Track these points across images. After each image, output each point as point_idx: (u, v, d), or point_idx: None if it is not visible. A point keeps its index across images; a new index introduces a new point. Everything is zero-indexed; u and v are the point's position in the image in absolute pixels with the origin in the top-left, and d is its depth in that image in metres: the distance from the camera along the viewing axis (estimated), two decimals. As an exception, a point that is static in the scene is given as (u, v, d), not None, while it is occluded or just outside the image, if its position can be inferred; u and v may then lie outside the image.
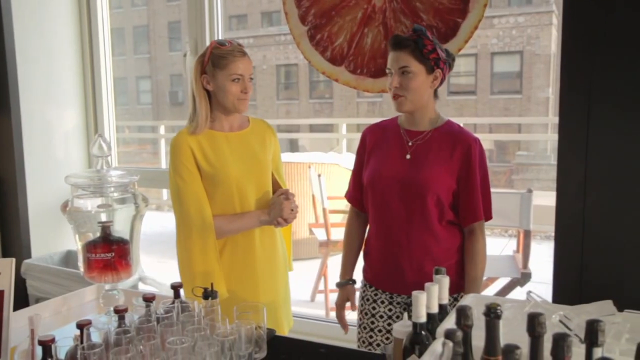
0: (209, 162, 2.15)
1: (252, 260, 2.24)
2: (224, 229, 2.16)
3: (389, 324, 2.15)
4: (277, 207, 2.16)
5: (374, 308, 2.19)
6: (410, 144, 2.09)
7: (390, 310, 2.16)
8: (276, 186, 2.32)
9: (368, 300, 2.21)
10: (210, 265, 2.15)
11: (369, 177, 2.15)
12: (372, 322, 2.18)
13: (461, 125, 2.13)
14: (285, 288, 2.38)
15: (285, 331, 2.32)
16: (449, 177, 2.04)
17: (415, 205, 2.04)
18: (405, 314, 1.48)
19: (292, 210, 2.17)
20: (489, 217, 2.10)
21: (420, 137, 2.09)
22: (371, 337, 2.18)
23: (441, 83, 2.09)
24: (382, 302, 2.17)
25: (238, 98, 2.14)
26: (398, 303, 2.15)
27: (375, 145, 2.18)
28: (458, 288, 2.09)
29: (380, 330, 2.17)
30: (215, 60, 2.13)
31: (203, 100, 2.17)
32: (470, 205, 2.05)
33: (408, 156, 2.08)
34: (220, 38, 3.28)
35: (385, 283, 2.16)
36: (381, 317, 2.17)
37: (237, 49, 2.14)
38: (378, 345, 2.16)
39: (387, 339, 2.15)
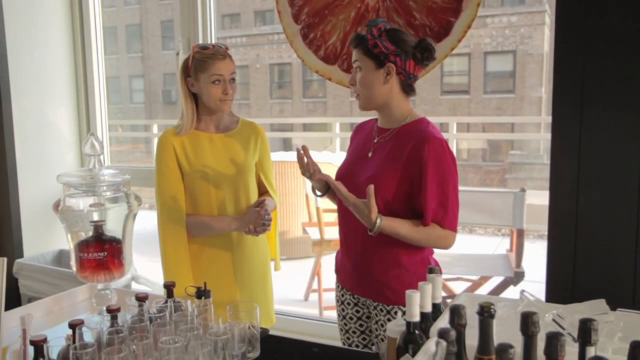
0: (189, 162, 2.24)
1: (229, 261, 2.30)
2: (197, 229, 2.25)
3: (361, 325, 2.10)
4: (250, 216, 2.21)
5: (343, 310, 2.14)
6: (375, 141, 2.01)
7: (357, 311, 2.09)
8: (263, 188, 2.39)
9: (338, 302, 2.16)
10: (180, 260, 2.24)
11: (337, 176, 2.07)
12: (345, 324, 2.14)
13: (432, 123, 1.95)
14: (264, 289, 2.41)
15: None
16: (396, 176, 1.88)
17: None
18: (399, 313, 1.48)
19: (264, 223, 2.19)
20: (445, 224, 1.88)
21: (385, 134, 1.98)
22: (349, 338, 2.14)
23: (408, 76, 1.92)
24: (349, 304, 2.10)
25: (220, 99, 2.21)
26: (363, 304, 2.07)
27: (351, 144, 2.16)
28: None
29: (354, 332, 2.12)
30: (197, 64, 2.20)
31: (189, 103, 2.26)
32: (421, 208, 1.87)
33: (370, 154, 2.00)
34: (212, 37, 3.30)
35: (346, 284, 2.10)
36: (351, 318, 2.11)
37: (219, 51, 2.20)
38: (357, 346, 2.11)
39: (364, 339, 2.10)
